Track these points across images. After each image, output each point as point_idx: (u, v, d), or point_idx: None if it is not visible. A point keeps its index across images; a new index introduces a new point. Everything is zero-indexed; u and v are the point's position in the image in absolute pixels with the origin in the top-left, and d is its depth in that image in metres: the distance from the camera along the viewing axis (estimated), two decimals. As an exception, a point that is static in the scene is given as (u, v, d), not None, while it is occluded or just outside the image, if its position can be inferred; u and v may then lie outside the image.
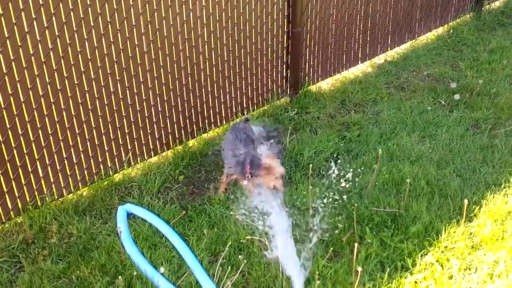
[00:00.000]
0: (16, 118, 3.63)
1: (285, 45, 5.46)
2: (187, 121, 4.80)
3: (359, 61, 6.40)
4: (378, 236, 3.61)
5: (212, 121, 5.03)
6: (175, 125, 4.71)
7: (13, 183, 3.74)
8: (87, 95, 3.97)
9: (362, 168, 4.37)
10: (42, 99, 3.73)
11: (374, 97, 5.67)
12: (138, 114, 4.37)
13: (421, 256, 3.46)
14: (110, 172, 4.31)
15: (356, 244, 3.22)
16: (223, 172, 4.27)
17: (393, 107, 5.43)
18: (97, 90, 4.01)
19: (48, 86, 3.73)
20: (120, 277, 3.27)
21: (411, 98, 5.63)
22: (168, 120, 4.63)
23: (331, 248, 3.46)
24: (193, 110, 4.81)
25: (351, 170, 4.29)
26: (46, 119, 3.80)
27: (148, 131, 4.51)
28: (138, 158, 4.50)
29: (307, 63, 5.75)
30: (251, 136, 4.43)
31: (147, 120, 4.46)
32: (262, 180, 4.08)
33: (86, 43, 3.84)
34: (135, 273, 3.30)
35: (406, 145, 4.72)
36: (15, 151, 3.69)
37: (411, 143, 4.76)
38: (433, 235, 3.63)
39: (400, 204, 3.89)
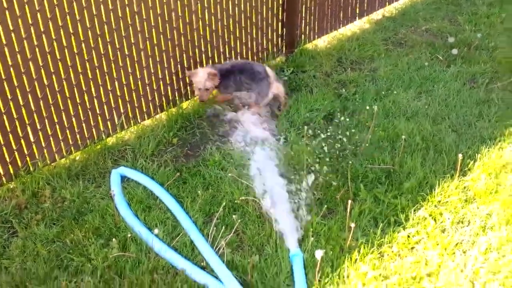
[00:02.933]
0: (5, 83, 3.58)
1: (280, 2, 5.33)
2: (181, 82, 4.74)
3: (357, 17, 6.26)
4: (372, 192, 3.59)
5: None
6: (169, 87, 4.64)
7: (4, 148, 3.71)
8: (77, 57, 3.89)
9: (358, 125, 4.33)
10: (30, 63, 3.66)
11: (371, 54, 5.57)
12: (130, 77, 4.31)
13: (414, 211, 3.46)
14: (103, 136, 4.28)
15: (350, 201, 3.21)
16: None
17: (390, 64, 5.34)
18: (87, 52, 3.94)
19: (37, 49, 3.66)
20: (114, 239, 3.29)
21: (409, 54, 5.53)
22: (161, 82, 4.56)
23: (325, 206, 3.45)
24: (186, 71, 4.73)
25: (347, 128, 4.25)
26: (36, 83, 3.74)
27: (141, 93, 4.45)
28: (131, 121, 4.46)
29: (303, 21, 5.63)
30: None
31: (139, 82, 4.40)
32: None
33: (75, 4, 3.74)
34: (129, 235, 3.31)
35: (402, 102, 4.66)
36: (4, 117, 3.65)
37: (407, 100, 4.70)
38: (427, 190, 3.62)
39: (395, 160, 3.86)
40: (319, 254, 2.85)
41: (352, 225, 3.08)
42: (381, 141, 4.13)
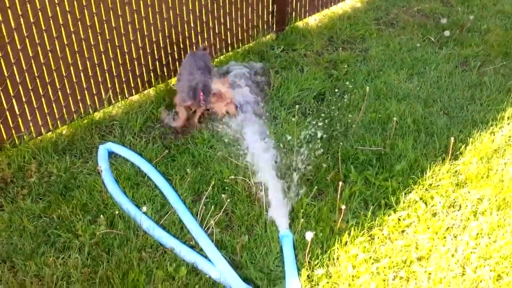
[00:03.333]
0: (-12, 53, 3.46)
1: (271, -22, 5.23)
2: (169, 58, 4.63)
3: (348, -4, 6.18)
4: (363, 174, 3.58)
5: (195, 58, 4.86)
6: (157, 62, 4.54)
7: (-12, 121, 3.62)
8: (62, 29, 3.77)
9: (349, 106, 4.30)
10: (15, 33, 3.53)
11: (363, 33, 5.51)
12: (118, 50, 4.19)
13: (405, 194, 3.46)
14: (90, 111, 4.18)
15: (340, 183, 3.20)
16: (176, 103, 4.16)
17: (382, 44, 5.29)
18: (72, 23, 3.81)
19: (21, 19, 3.53)
20: (102, 216, 3.24)
21: (400, 35, 5.49)
22: (149, 57, 4.46)
23: (316, 187, 3.43)
24: (175, 47, 4.63)
25: (338, 108, 4.21)
26: (20, 54, 3.62)
27: (129, 68, 4.34)
28: (119, 96, 4.36)
29: (294, -2, 5.53)
30: (209, 65, 4.32)
31: (127, 56, 4.29)
32: (214, 106, 4.22)
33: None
34: (117, 212, 3.26)
35: (393, 83, 4.63)
36: (-12, 88, 3.54)
37: (398, 81, 4.67)
38: (418, 173, 3.61)
39: (386, 142, 3.85)
40: (309, 235, 2.83)
41: (343, 207, 3.07)
42: (372, 122, 4.10)
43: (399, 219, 3.29)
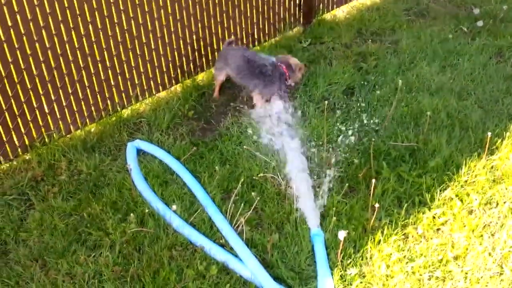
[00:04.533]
0: (18, 52, 3.47)
1: (298, -30, 5.14)
2: (196, 54, 4.60)
3: (377, -13, 6.04)
4: (396, 171, 3.48)
5: (222, 53, 4.82)
6: (184, 58, 4.51)
7: (19, 119, 3.64)
8: (90, 26, 3.77)
9: (380, 100, 4.19)
10: (43, 31, 3.54)
11: (393, 25, 5.38)
12: (145, 47, 4.18)
13: (440, 191, 3.35)
14: (118, 108, 4.18)
15: (373, 180, 3.11)
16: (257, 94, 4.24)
17: (413, 36, 5.16)
18: (100, 21, 3.81)
19: (49, 17, 3.54)
20: (132, 214, 3.23)
21: (432, 26, 5.34)
22: (176, 53, 4.43)
23: (347, 184, 3.36)
24: (202, 42, 4.59)
25: (368, 103, 4.11)
26: (49, 52, 3.63)
27: (156, 64, 4.33)
28: (146, 93, 4.36)
29: (322, -11, 5.44)
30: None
31: (154, 53, 4.27)
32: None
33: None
34: (146, 210, 3.25)
35: (425, 76, 4.50)
36: (18, 86, 3.56)
37: (431, 74, 4.54)
38: (453, 169, 3.50)
39: (419, 137, 3.74)
40: (342, 234, 2.77)
41: (376, 205, 2.99)
42: (404, 117, 4.00)
43: (434, 217, 3.19)
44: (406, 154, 3.62)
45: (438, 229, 3.13)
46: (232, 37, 4.68)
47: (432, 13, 5.61)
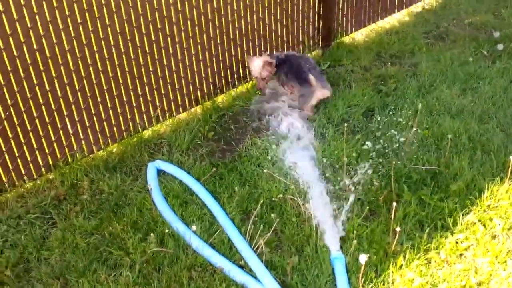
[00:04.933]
0: (43, 74, 3.56)
1: (317, -6, 5.20)
2: (216, 76, 4.66)
3: (396, 10, 6.09)
4: (417, 194, 3.45)
5: (241, 75, 4.88)
6: (203, 80, 4.57)
7: (43, 139, 3.71)
8: (113, 49, 3.85)
9: (400, 123, 4.19)
10: (68, 54, 3.63)
11: (412, 48, 5.40)
12: (166, 69, 4.25)
13: (463, 215, 3.31)
14: (139, 129, 4.24)
15: (394, 203, 3.09)
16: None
17: (432, 59, 5.16)
18: (123, 45, 3.89)
19: (74, 41, 3.63)
20: (152, 234, 3.24)
21: (451, 49, 5.34)
22: (196, 75, 4.49)
23: (367, 207, 3.34)
24: (221, 64, 4.66)
25: (388, 125, 4.10)
26: (73, 74, 3.71)
27: (176, 86, 4.39)
28: (167, 114, 4.41)
29: (340, 13, 5.49)
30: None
31: (174, 75, 4.34)
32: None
33: (111, -5, 3.70)
34: (167, 230, 3.26)
35: (446, 99, 4.49)
36: (43, 108, 3.63)
37: (451, 96, 4.53)
38: (475, 193, 3.46)
39: (440, 161, 3.71)
40: (363, 258, 2.74)
41: (398, 229, 2.96)
42: (424, 140, 3.98)
43: (456, 242, 3.15)
44: (428, 177, 3.59)
45: (461, 254, 3.09)
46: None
47: (451, 36, 5.62)
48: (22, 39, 3.39)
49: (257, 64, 4.53)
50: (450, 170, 3.64)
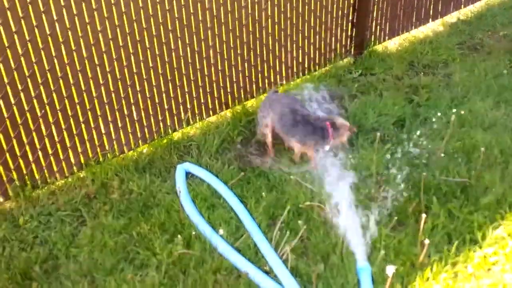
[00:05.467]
0: (79, 74, 3.64)
1: (351, 2, 5.19)
2: (247, 80, 4.69)
3: (430, 19, 6.02)
4: (446, 206, 3.41)
5: (272, 81, 4.90)
6: (235, 84, 4.61)
7: (76, 138, 3.79)
8: (148, 52, 3.92)
9: (431, 134, 4.14)
10: (104, 55, 3.71)
11: (445, 58, 5.33)
12: (198, 73, 4.30)
13: (492, 229, 3.25)
14: (170, 131, 4.29)
15: (423, 215, 3.06)
16: (297, 144, 3.92)
17: (466, 70, 5.08)
18: (158, 48, 3.95)
19: (111, 42, 3.70)
20: (179, 236, 3.28)
21: (486, 60, 5.25)
22: (227, 79, 4.53)
23: (395, 217, 3.30)
24: (253, 69, 4.69)
25: (419, 136, 4.06)
26: (109, 75, 3.79)
27: (208, 90, 4.43)
28: (197, 117, 4.46)
29: (374, 21, 5.46)
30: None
31: (206, 79, 4.38)
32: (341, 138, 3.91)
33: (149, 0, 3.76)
34: (193, 232, 3.29)
35: (479, 111, 4.42)
36: (78, 107, 3.72)
37: (484, 109, 4.45)
38: (505, 208, 3.40)
39: (471, 173, 3.65)
40: (390, 270, 2.71)
41: (426, 241, 2.93)
42: (456, 152, 3.92)
43: (485, 256, 3.09)
44: (457, 190, 3.54)
45: (489, 269, 3.03)
46: (283, 66, 4.76)
47: (486, 47, 5.53)
48: (60, 39, 3.48)
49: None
50: (481, 183, 3.58)
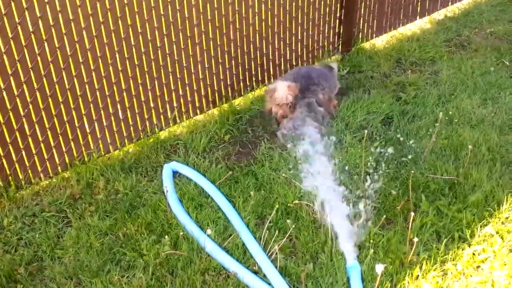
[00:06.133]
0: (63, 72, 3.58)
1: (338, -1, 5.17)
2: (234, 78, 4.65)
3: (417, 17, 6.03)
4: (434, 204, 3.40)
5: (259, 79, 4.87)
6: (222, 82, 4.57)
7: (60, 138, 3.73)
8: (133, 50, 3.86)
9: (419, 131, 4.13)
10: (88, 53, 3.65)
11: (433, 55, 5.34)
12: (185, 71, 4.25)
13: (481, 227, 3.25)
14: (156, 129, 4.24)
15: (411, 213, 3.05)
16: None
17: (453, 67, 5.09)
18: (143, 44, 3.90)
19: (95, 40, 3.64)
20: (166, 236, 3.24)
21: (473, 58, 5.27)
22: (214, 77, 4.49)
23: (384, 216, 3.29)
24: (240, 67, 4.65)
25: (407, 133, 4.06)
26: (93, 73, 3.73)
27: (194, 88, 4.39)
28: (184, 116, 4.41)
29: (361, 18, 5.45)
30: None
31: (193, 77, 4.34)
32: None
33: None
34: (181, 233, 3.25)
35: (466, 108, 4.42)
36: (62, 106, 3.65)
37: (472, 106, 4.46)
38: (494, 205, 3.40)
39: (459, 171, 3.65)
40: (380, 268, 2.69)
41: (415, 239, 2.91)
42: (444, 149, 3.92)
43: (474, 254, 3.09)
44: (446, 187, 3.54)
45: (478, 267, 3.03)
46: (271, 63, 4.74)
47: (473, 45, 5.54)
48: (44, 36, 3.41)
49: (282, 89, 4.20)
50: (469, 181, 3.58)
